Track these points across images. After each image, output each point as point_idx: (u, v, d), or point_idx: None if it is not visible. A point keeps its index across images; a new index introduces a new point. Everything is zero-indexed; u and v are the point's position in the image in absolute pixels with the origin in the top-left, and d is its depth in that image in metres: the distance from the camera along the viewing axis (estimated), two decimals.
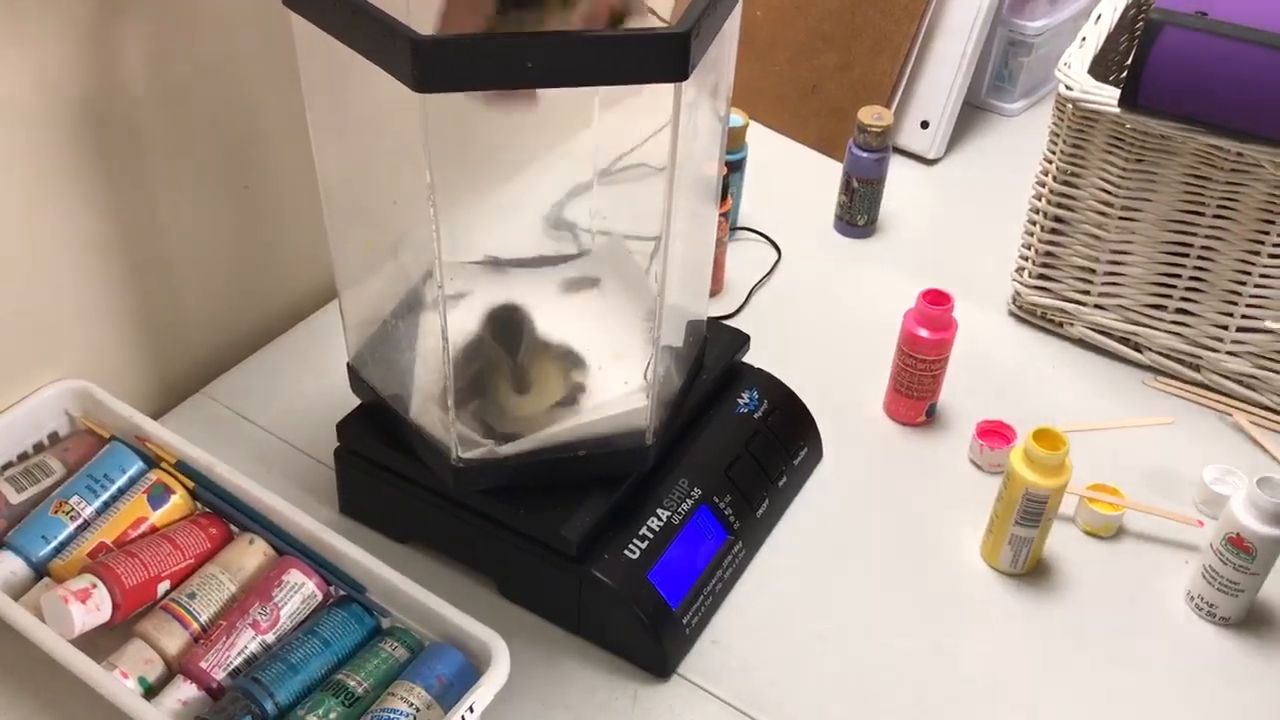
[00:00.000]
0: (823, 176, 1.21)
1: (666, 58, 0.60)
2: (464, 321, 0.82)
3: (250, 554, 0.79)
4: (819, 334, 1.07)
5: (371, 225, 0.79)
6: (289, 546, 0.80)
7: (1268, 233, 0.93)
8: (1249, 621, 0.84)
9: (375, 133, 0.73)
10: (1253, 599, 0.83)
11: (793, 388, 0.94)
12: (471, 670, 0.73)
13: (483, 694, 0.70)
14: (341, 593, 0.78)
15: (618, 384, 0.78)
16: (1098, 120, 0.95)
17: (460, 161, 0.77)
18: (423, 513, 0.83)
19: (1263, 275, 0.95)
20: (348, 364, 0.85)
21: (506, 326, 0.81)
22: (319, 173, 0.78)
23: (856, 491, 0.93)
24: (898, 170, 1.26)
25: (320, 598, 0.77)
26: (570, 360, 0.80)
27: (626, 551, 0.78)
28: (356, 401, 0.85)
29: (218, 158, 0.93)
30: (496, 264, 0.91)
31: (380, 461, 0.83)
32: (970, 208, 1.24)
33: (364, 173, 0.76)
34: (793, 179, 1.25)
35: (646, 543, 0.79)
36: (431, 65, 0.59)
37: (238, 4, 0.89)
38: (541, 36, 0.60)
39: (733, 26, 0.73)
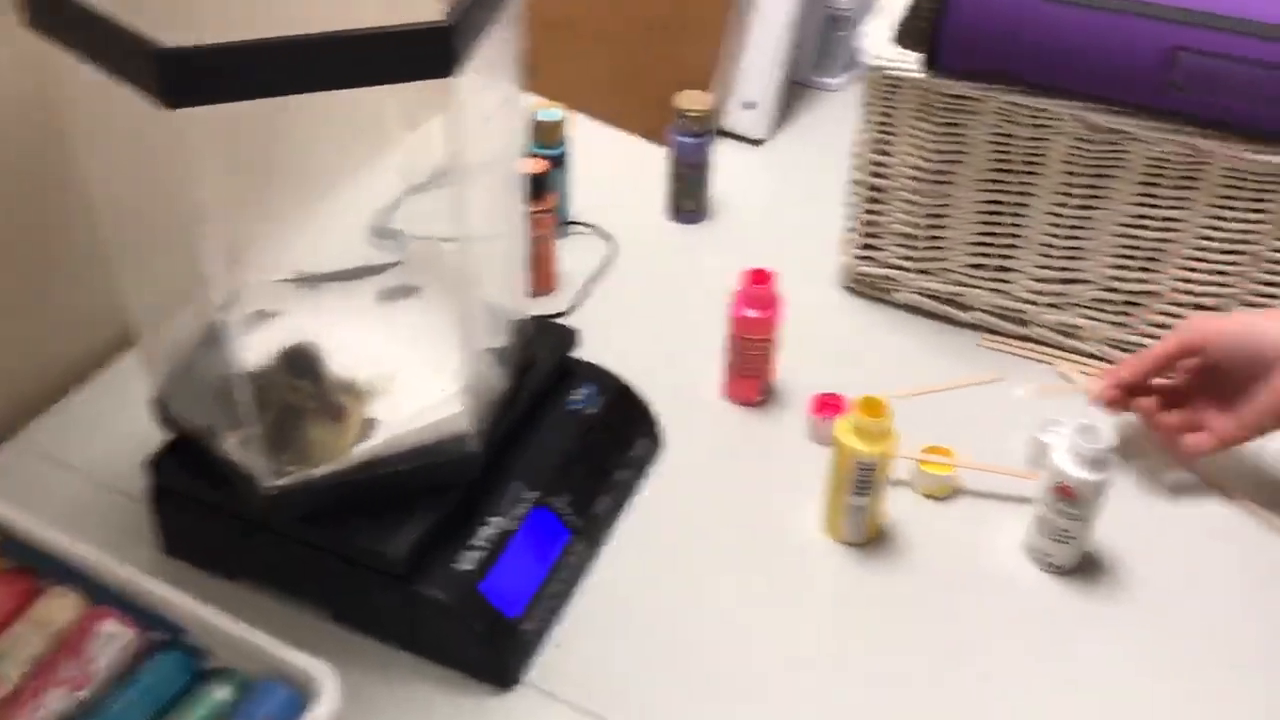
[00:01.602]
0: (652, 165, 1.21)
1: (431, 53, 0.59)
2: (271, 343, 0.79)
3: (62, 607, 0.75)
4: (656, 323, 1.07)
5: (157, 254, 0.75)
6: (102, 595, 0.75)
7: (1072, 185, 0.95)
8: (1083, 567, 0.85)
9: (144, 156, 0.69)
10: (1084, 545, 0.84)
11: (633, 378, 0.94)
12: (300, 704, 0.70)
13: None
14: (162, 638, 0.74)
15: (434, 392, 0.76)
16: (901, 87, 0.96)
17: (244, 177, 0.74)
18: (245, 546, 0.79)
19: (1073, 227, 0.97)
20: (152, 399, 0.81)
21: (300, 363, 0.78)
22: (96, 207, 0.74)
23: (698, 477, 0.92)
24: (726, 153, 1.26)
25: (139, 646, 0.73)
26: (374, 383, 0.78)
27: (456, 563, 0.76)
28: (170, 437, 0.81)
29: None
30: (307, 280, 0.88)
31: (195, 497, 0.80)
32: (800, 185, 1.24)
33: (139, 201, 0.73)
34: (623, 170, 1.24)
35: (480, 552, 0.77)
36: (178, 78, 0.56)
37: None
38: (296, 40, 0.58)
39: (514, 15, 0.71)
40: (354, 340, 0.82)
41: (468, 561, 0.77)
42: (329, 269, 0.90)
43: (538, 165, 1.01)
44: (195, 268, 0.74)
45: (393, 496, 0.76)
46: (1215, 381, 0.89)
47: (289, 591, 0.81)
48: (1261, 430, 0.87)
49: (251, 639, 0.71)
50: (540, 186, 1.01)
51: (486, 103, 0.72)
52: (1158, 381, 0.92)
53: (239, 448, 0.74)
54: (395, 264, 0.90)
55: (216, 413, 0.77)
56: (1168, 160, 0.91)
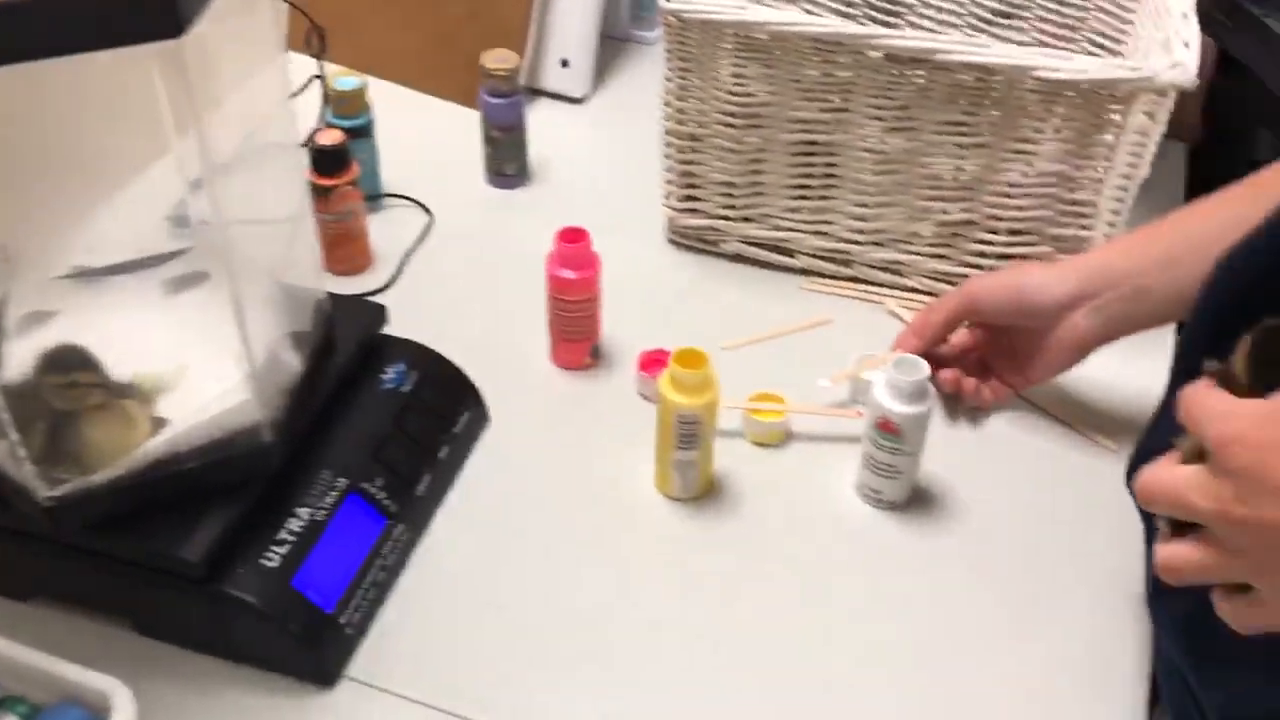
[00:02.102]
0: (466, 131, 1.17)
1: (146, 11, 0.54)
2: (47, 345, 0.73)
3: None
4: (481, 293, 1.03)
5: None
6: None
7: (879, 118, 0.94)
8: (915, 502, 0.85)
9: None
10: (913, 479, 0.84)
11: (457, 352, 0.90)
12: None
13: None
14: None
15: (214, 381, 0.71)
16: (700, 29, 0.94)
17: (7, 173, 0.69)
18: (31, 564, 0.74)
19: (886, 161, 0.96)
20: None
21: (65, 363, 0.72)
22: None
23: (528, 447, 0.89)
24: (546, 113, 1.23)
25: None
26: (161, 379, 0.73)
27: (264, 561, 0.72)
28: None
29: None
30: (86, 275, 0.82)
31: None
32: (622, 142, 1.21)
33: None
34: (436, 138, 1.20)
35: (288, 547, 0.73)
36: None
37: None
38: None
39: None
40: (139, 334, 0.77)
41: (276, 558, 0.72)
42: (111, 262, 0.84)
43: (334, 137, 0.96)
44: None
45: (187, 496, 0.71)
46: (1003, 338, 0.89)
47: (86, 606, 0.76)
48: (1048, 379, 0.88)
49: (34, 662, 0.67)
50: (340, 159, 0.96)
51: (245, 71, 0.67)
52: (955, 343, 0.92)
53: (10, 461, 0.69)
54: (181, 252, 0.84)
55: None
56: (967, 85, 0.90)
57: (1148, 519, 0.65)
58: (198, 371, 0.74)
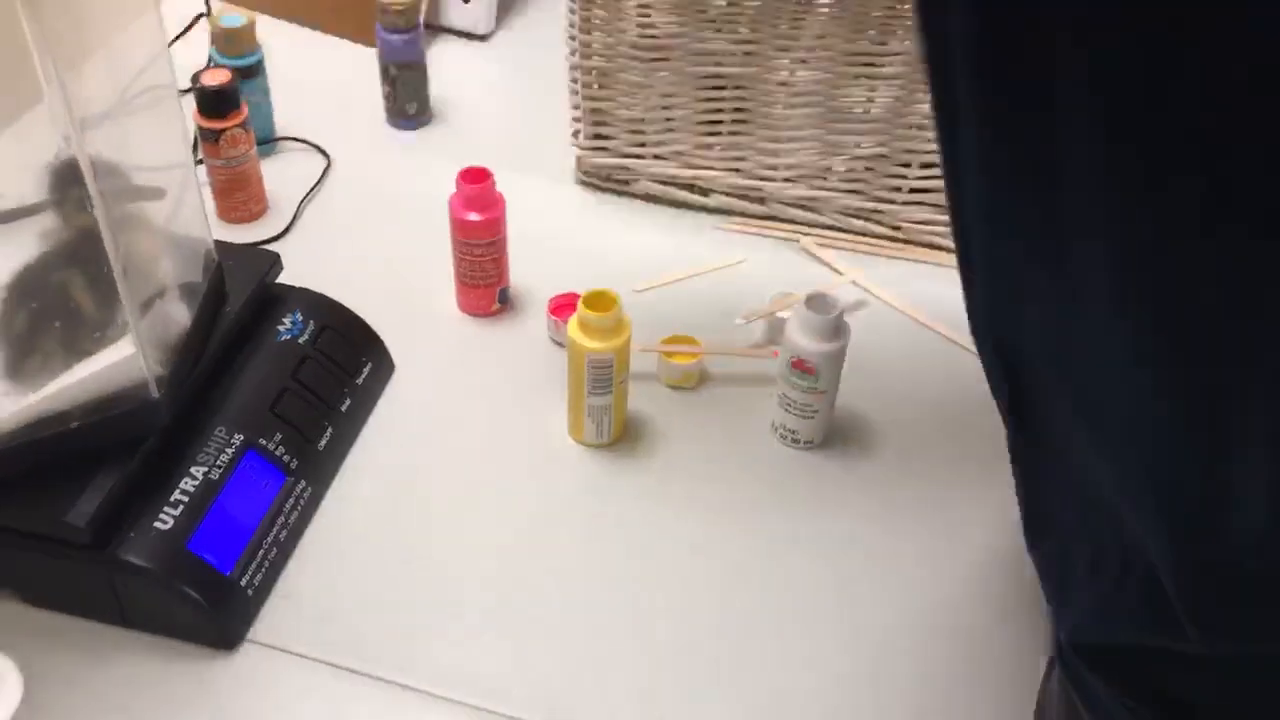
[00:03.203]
0: (365, 69, 1.12)
1: None
2: None
3: None
4: (382, 239, 0.99)
5: None
6: None
7: (790, 50, 0.92)
8: (831, 440, 0.84)
9: None
10: (829, 418, 0.83)
11: (358, 301, 0.86)
12: None
13: None
14: None
15: (92, 337, 0.67)
16: None
17: None
18: None
19: (797, 95, 0.94)
20: None
21: None
22: None
23: (436, 397, 0.87)
24: (449, 50, 1.19)
25: None
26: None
27: (158, 524, 0.69)
28: None
29: None
30: None
31: None
32: (529, 80, 1.18)
33: None
34: (333, 77, 1.15)
35: (181, 508, 0.70)
36: None
37: None
38: None
39: None
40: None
41: (169, 519, 0.69)
42: None
43: (220, 76, 0.91)
44: None
45: (71, 458, 0.67)
46: None
47: None
48: None
49: None
50: (227, 100, 0.91)
51: (107, 16, 0.63)
52: None
53: None
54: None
55: None
56: (875, 14, 0.88)
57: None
58: (68, 323, 0.70)
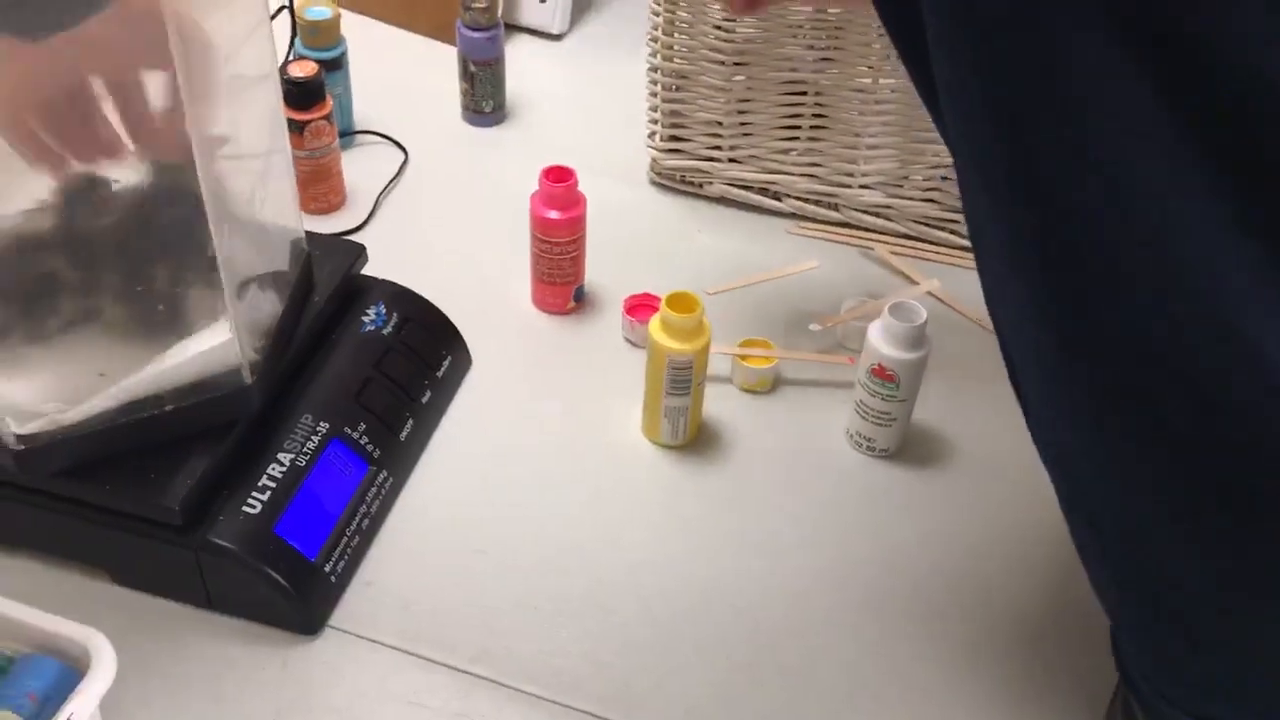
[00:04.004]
0: (442, 65, 1.13)
1: None
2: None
3: None
4: (458, 234, 1.00)
5: None
6: None
7: (874, 58, 0.92)
8: (907, 449, 0.84)
9: None
10: (906, 427, 0.83)
11: (434, 295, 0.87)
12: (74, 677, 0.63)
13: (82, 701, 0.60)
14: None
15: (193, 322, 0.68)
16: None
17: None
18: (1, 511, 0.71)
19: (877, 102, 0.94)
20: None
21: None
22: None
23: (512, 392, 0.87)
24: (524, 49, 1.20)
25: None
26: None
27: (246, 508, 0.70)
28: None
29: None
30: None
31: None
32: (603, 79, 1.18)
33: None
34: (411, 72, 1.16)
35: (269, 494, 0.71)
36: None
37: None
38: None
39: None
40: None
41: (258, 504, 0.70)
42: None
43: (307, 69, 0.92)
44: None
45: (164, 441, 0.69)
46: None
47: (58, 555, 0.73)
48: None
49: (9, 612, 0.64)
50: (314, 92, 0.93)
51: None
52: None
53: None
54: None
55: None
56: None
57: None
58: (171, 308, 0.71)
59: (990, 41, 0.44)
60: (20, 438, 0.65)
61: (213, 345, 0.67)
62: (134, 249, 0.66)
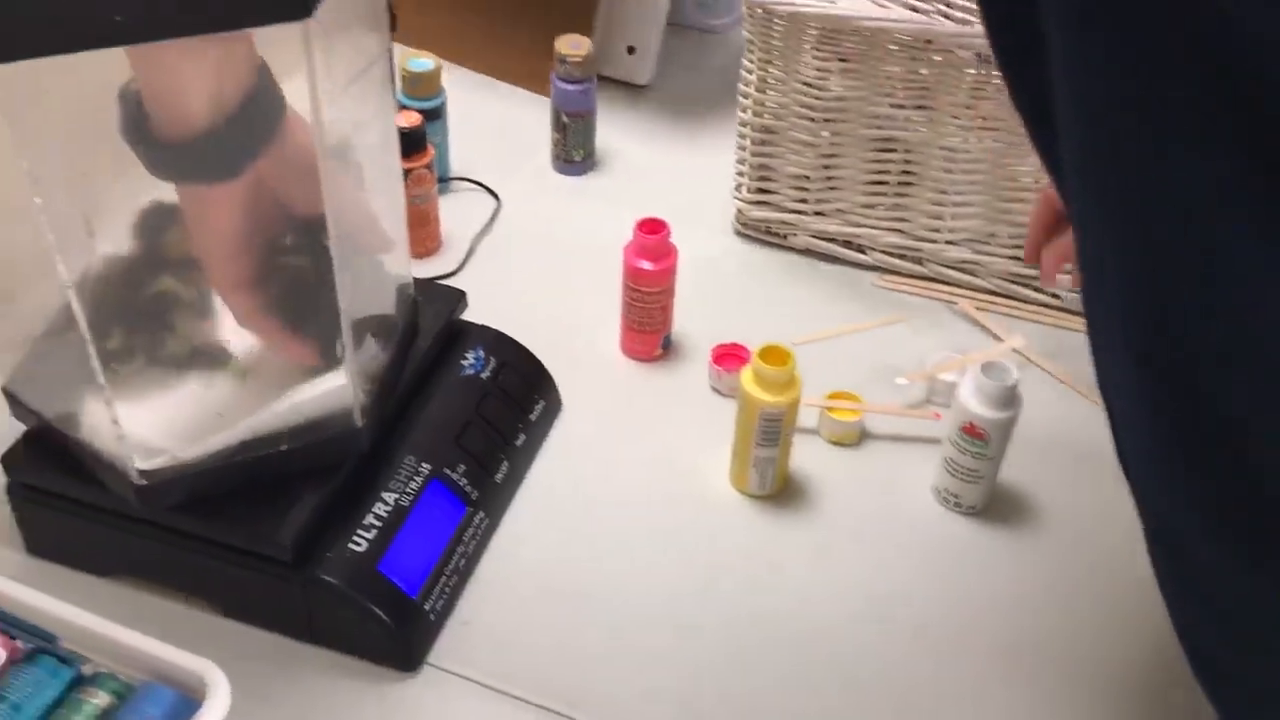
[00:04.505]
0: (534, 115, 1.16)
1: None
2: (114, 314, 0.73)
3: None
4: (547, 280, 1.03)
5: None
6: None
7: (965, 117, 0.93)
8: (993, 507, 0.85)
9: None
10: (993, 485, 0.84)
11: (525, 339, 0.90)
12: (188, 706, 0.65)
13: None
14: (30, 646, 0.68)
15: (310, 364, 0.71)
16: (786, 23, 0.93)
17: (90, 144, 0.68)
18: (117, 542, 0.74)
19: (967, 160, 0.96)
20: (3, 389, 0.74)
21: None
22: None
23: (600, 437, 0.89)
24: (611, 100, 1.22)
25: (5, 656, 0.68)
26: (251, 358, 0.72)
27: (352, 545, 0.72)
28: (24, 430, 0.75)
29: None
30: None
31: (58, 491, 0.74)
32: (688, 131, 1.21)
33: None
34: (504, 121, 1.19)
35: (374, 532, 0.73)
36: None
37: None
38: None
39: None
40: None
41: (363, 542, 0.72)
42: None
43: (411, 119, 0.95)
44: (40, 243, 0.68)
45: (277, 478, 0.71)
46: None
47: (170, 586, 0.76)
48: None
49: (127, 640, 0.66)
50: (416, 141, 0.96)
51: (351, 49, 0.67)
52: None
53: (102, 433, 0.68)
54: None
55: (73, 397, 0.71)
56: None
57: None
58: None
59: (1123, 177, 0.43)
60: (142, 473, 0.68)
61: (329, 388, 0.69)
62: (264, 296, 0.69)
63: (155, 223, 0.72)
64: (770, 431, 0.81)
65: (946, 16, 1.13)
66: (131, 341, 0.68)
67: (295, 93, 0.60)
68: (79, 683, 0.67)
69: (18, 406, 0.74)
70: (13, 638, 0.68)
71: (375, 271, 0.77)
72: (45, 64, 0.52)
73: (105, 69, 0.59)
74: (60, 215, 0.61)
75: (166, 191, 0.79)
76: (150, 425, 0.68)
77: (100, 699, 0.65)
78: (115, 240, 0.77)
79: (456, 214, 1.07)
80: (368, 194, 0.72)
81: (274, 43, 0.57)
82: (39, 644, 0.68)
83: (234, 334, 0.71)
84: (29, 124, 0.55)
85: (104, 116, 0.65)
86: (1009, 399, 0.78)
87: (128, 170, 0.77)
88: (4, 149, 0.58)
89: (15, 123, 0.54)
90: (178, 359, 0.70)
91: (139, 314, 0.71)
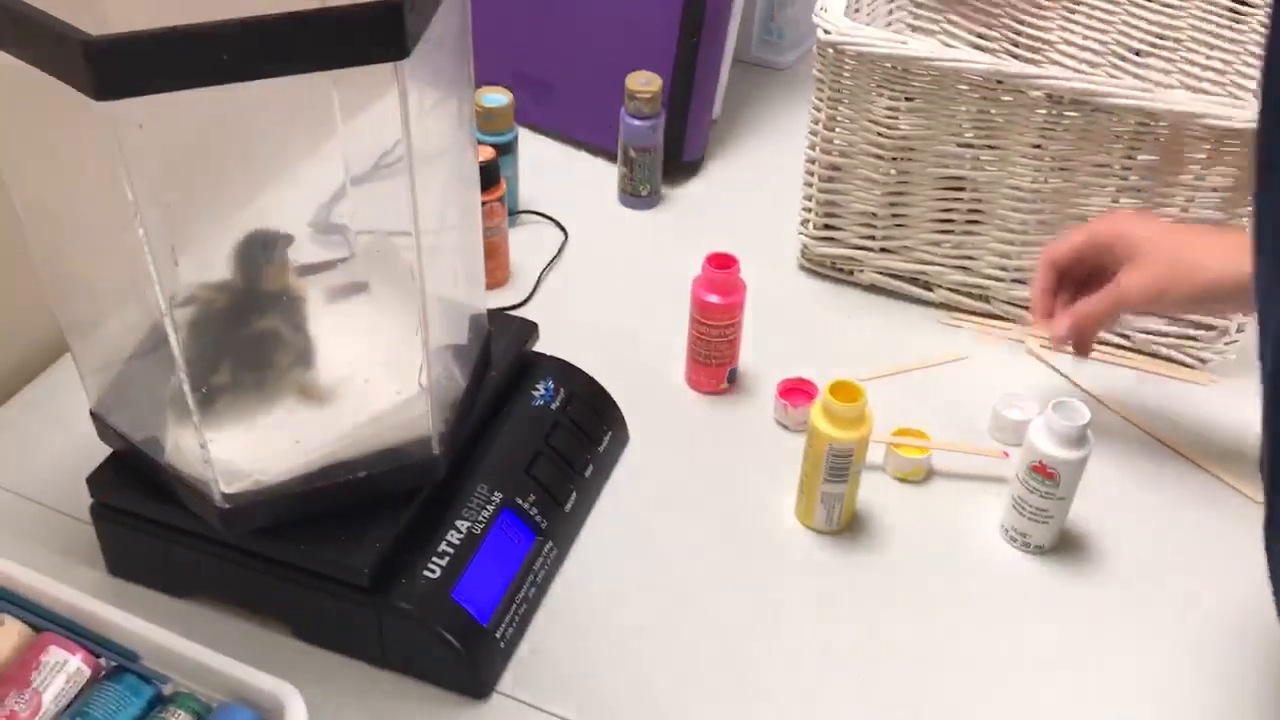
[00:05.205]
0: (599, 153, 1.18)
1: (381, 33, 0.55)
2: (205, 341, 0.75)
3: (3, 636, 0.71)
4: (614, 312, 1.04)
5: (90, 257, 0.71)
6: (46, 621, 0.71)
7: (1034, 157, 0.94)
8: (1061, 547, 0.84)
9: (71, 152, 0.65)
10: (1062, 524, 0.83)
11: (592, 371, 0.91)
12: None
13: None
14: (113, 664, 0.70)
15: (391, 393, 0.72)
16: (856, 62, 0.94)
17: (182, 174, 0.70)
18: (197, 563, 0.75)
19: (1035, 200, 0.96)
20: (91, 411, 0.76)
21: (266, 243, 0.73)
22: (21, 207, 0.69)
23: (667, 470, 0.90)
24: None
25: (89, 673, 0.69)
26: (329, 386, 0.74)
27: (426, 572, 0.73)
28: (109, 452, 0.77)
29: None
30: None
31: (141, 513, 0.75)
32: (753, 166, 1.22)
33: (68, 200, 0.68)
34: (570, 158, 1.21)
35: (447, 559, 0.74)
36: (109, 68, 0.52)
37: None
38: (234, 24, 0.54)
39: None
40: (309, 339, 0.78)
41: (437, 569, 0.73)
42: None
43: (485, 153, 0.97)
44: (131, 270, 0.70)
45: (354, 504, 0.73)
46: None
47: (246, 608, 0.77)
48: (1102, 313, 0.84)
49: (208, 661, 0.68)
50: (489, 175, 0.98)
51: (437, 86, 0.69)
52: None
53: (187, 457, 0.70)
54: (342, 260, 0.85)
55: (160, 422, 0.73)
56: (1127, 128, 0.89)
57: None
58: (366, 380, 0.75)
59: None
60: (226, 496, 0.69)
61: (409, 416, 0.71)
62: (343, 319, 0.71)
63: (253, 254, 0.74)
64: (839, 467, 0.81)
65: (1014, 55, 1.14)
66: (225, 373, 0.70)
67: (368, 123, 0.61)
68: (159, 701, 0.69)
69: (104, 429, 0.76)
70: (96, 655, 0.70)
71: (454, 300, 0.78)
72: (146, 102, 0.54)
73: (205, 104, 0.61)
74: (157, 245, 0.62)
75: (263, 221, 0.82)
76: (235, 450, 0.70)
77: (180, 718, 0.67)
78: (201, 267, 0.80)
79: (525, 246, 1.09)
80: (445, 220, 0.74)
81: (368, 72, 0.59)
82: (122, 662, 0.69)
83: (320, 363, 0.73)
84: (135, 156, 0.57)
85: (203, 149, 0.67)
86: (1080, 439, 0.78)
87: (223, 200, 0.79)
88: (102, 179, 0.60)
89: (123, 154, 0.56)
90: (269, 393, 0.72)
91: (237, 350, 0.72)
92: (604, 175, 1.16)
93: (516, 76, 1.20)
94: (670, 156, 1.15)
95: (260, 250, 0.73)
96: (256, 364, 0.71)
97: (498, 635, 0.74)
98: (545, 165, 1.18)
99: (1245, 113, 0.85)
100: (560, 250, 1.09)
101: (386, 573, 0.72)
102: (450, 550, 0.74)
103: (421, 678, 0.74)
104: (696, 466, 0.90)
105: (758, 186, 1.18)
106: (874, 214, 1.02)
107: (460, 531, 0.76)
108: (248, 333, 0.71)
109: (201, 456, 0.68)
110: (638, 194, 1.14)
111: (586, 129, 1.20)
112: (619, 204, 1.15)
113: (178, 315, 0.70)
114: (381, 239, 0.85)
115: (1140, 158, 0.91)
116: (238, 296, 0.73)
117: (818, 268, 1.07)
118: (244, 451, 0.70)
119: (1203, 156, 0.89)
